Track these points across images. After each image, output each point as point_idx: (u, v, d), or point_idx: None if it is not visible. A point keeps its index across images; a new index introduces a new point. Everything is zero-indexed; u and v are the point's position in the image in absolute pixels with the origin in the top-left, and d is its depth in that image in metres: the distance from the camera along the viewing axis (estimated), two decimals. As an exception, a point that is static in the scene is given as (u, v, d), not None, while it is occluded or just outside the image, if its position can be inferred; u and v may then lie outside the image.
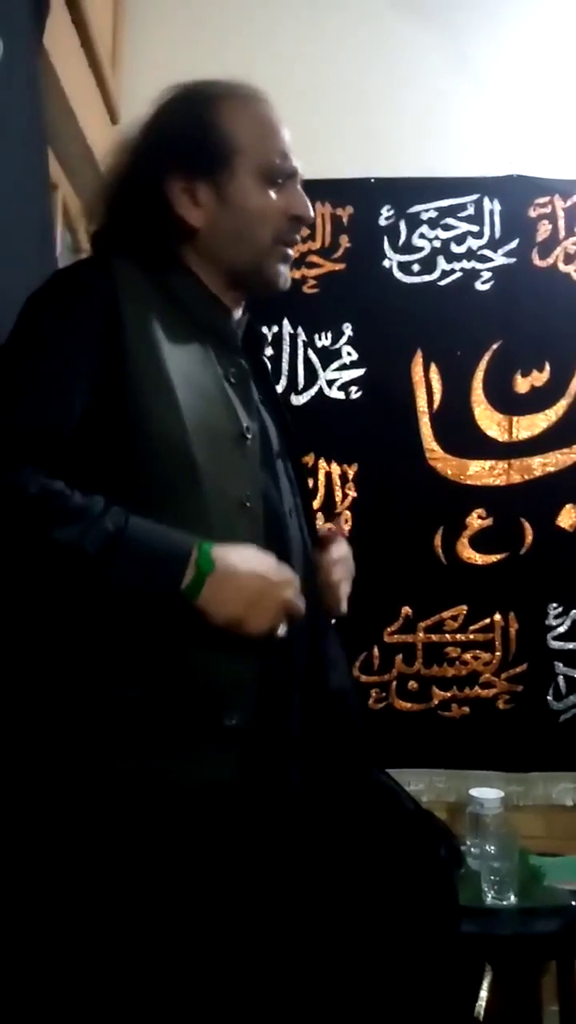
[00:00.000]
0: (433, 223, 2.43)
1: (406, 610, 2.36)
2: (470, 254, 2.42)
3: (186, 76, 2.63)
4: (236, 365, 1.09)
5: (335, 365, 2.41)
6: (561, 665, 2.33)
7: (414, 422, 2.39)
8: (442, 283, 2.42)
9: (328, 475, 2.39)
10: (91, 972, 0.95)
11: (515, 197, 2.43)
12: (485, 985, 1.62)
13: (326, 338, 2.41)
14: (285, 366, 2.40)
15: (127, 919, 0.95)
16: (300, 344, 2.41)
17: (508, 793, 2.25)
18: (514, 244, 2.42)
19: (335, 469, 2.39)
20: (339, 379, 2.41)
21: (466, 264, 2.42)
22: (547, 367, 2.38)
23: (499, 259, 2.42)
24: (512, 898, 1.94)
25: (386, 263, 2.42)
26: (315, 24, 2.51)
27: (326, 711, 1.13)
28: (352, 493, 2.39)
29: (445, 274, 2.42)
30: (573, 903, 1.94)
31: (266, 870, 1.02)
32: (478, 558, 2.36)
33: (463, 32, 2.50)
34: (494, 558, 2.36)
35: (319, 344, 2.41)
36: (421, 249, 2.42)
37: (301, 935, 1.05)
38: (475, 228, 2.43)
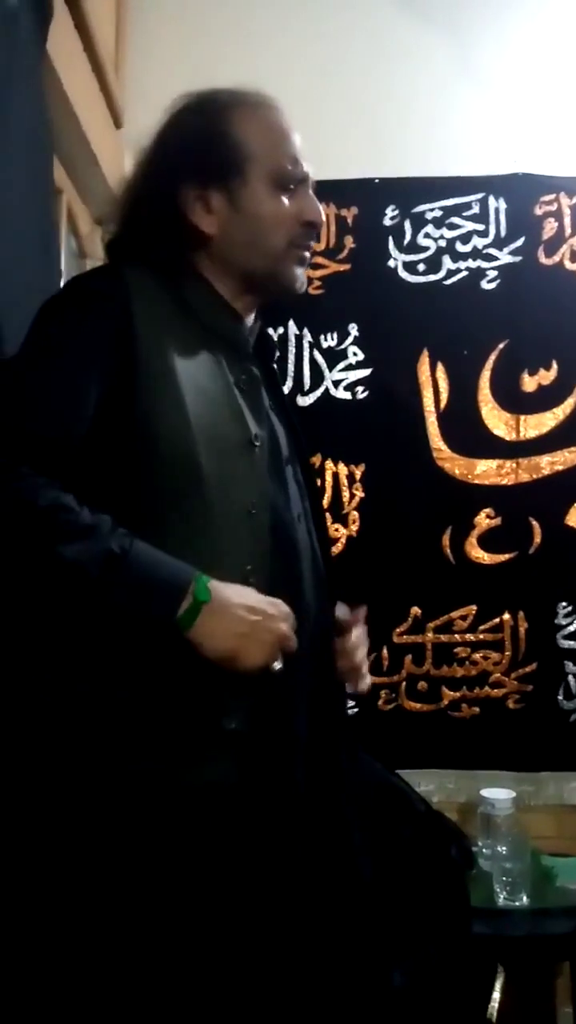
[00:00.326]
0: (438, 222, 2.43)
1: (415, 610, 2.36)
2: (476, 253, 2.41)
3: (189, 79, 2.63)
4: (247, 372, 1.10)
5: (341, 366, 2.41)
6: (571, 664, 2.32)
7: (421, 422, 2.38)
8: (448, 282, 2.41)
9: (335, 476, 2.39)
10: (92, 972, 0.95)
11: (520, 195, 2.42)
12: (497, 986, 1.62)
13: (332, 339, 2.41)
14: (291, 367, 2.40)
15: (128, 920, 0.96)
16: (306, 345, 2.41)
17: (519, 793, 2.24)
18: (520, 242, 2.41)
19: (342, 470, 2.39)
20: (345, 379, 2.40)
21: (472, 263, 2.41)
22: (554, 365, 2.37)
23: (505, 258, 2.41)
24: (524, 899, 1.93)
25: (391, 263, 2.42)
26: (318, 26, 2.50)
27: (333, 714, 1.13)
28: (359, 493, 2.39)
29: (451, 273, 2.41)
30: (585, 903, 1.94)
31: (270, 872, 1.02)
32: (487, 558, 2.35)
33: (467, 31, 2.50)
34: (503, 557, 2.35)
35: (325, 345, 2.41)
36: (426, 249, 2.42)
37: (307, 936, 1.05)
38: (480, 227, 2.42)
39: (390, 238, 2.42)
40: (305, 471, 1.20)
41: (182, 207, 1.08)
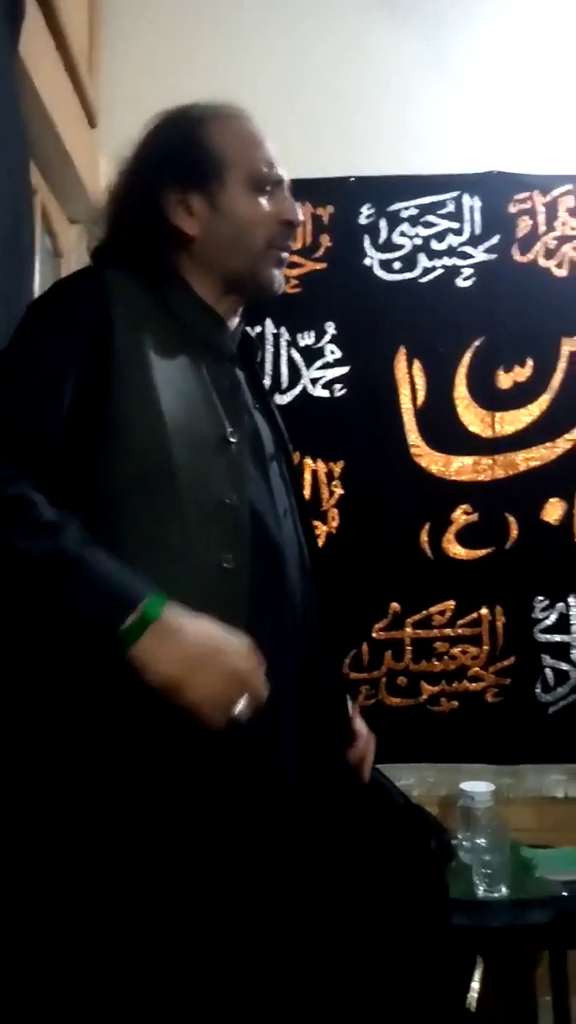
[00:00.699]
0: (413, 221, 2.44)
1: (394, 606, 2.37)
2: (451, 251, 2.43)
3: (164, 78, 2.65)
4: (227, 373, 1.13)
5: (318, 364, 2.42)
6: (548, 657, 2.35)
7: (398, 419, 2.40)
8: (423, 280, 2.43)
9: (314, 473, 2.40)
10: (83, 953, 0.96)
11: (495, 193, 2.45)
12: (477, 976, 1.63)
13: (309, 337, 2.42)
14: (269, 366, 2.41)
15: (115, 897, 0.97)
16: (283, 343, 2.42)
17: (499, 786, 2.26)
18: (494, 240, 2.43)
19: (321, 467, 2.40)
20: (323, 377, 2.42)
21: (447, 261, 2.43)
22: (529, 362, 2.39)
23: (480, 255, 2.43)
24: (503, 890, 1.95)
25: (367, 261, 2.43)
26: (292, 25, 2.52)
27: (318, 713, 1.15)
28: (338, 491, 2.40)
29: (426, 271, 2.43)
30: (564, 894, 1.96)
31: (260, 864, 1.03)
32: (464, 553, 2.37)
33: (440, 30, 2.51)
34: (480, 553, 2.37)
35: (302, 343, 2.42)
36: (402, 247, 2.43)
37: (294, 927, 1.06)
38: (455, 225, 2.44)
39: (366, 236, 2.44)
40: (290, 469, 1.23)
41: (165, 211, 1.12)
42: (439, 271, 2.43)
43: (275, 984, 1.03)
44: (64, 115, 2.03)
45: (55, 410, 1.00)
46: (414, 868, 1.28)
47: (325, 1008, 1.09)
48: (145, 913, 0.97)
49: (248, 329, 1.28)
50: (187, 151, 1.12)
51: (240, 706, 0.94)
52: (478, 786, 2.15)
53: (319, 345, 2.42)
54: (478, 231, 2.43)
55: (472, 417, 2.40)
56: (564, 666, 2.35)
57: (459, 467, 2.39)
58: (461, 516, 2.38)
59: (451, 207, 2.44)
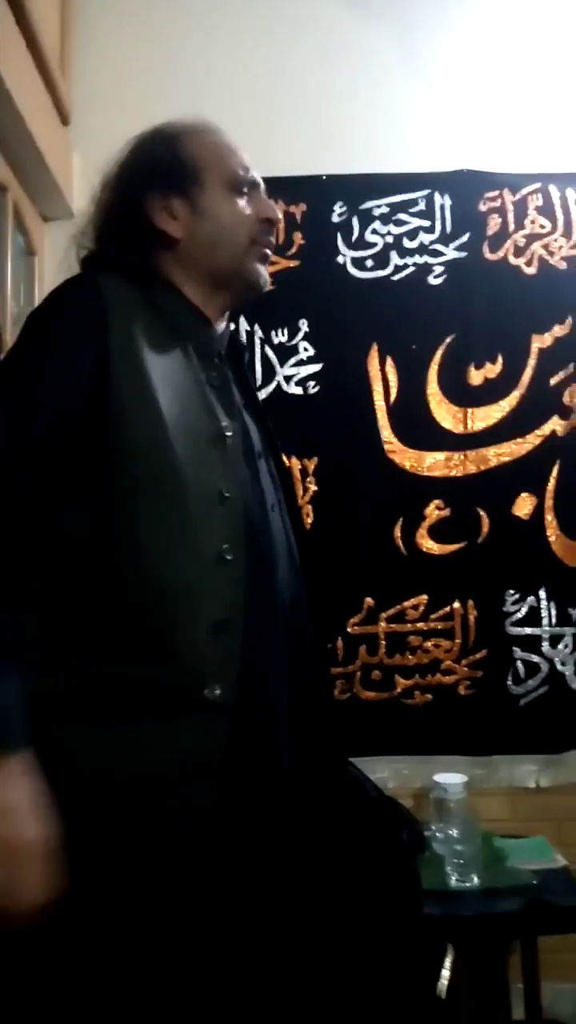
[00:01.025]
0: (385, 219, 2.46)
1: (368, 601, 2.39)
2: (422, 249, 2.45)
3: (137, 76, 2.65)
4: (217, 371, 1.17)
5: (292, 361, 2.43)
6: (519, 650, 2.38)
7: (371, 416, 2.42)
8: (395, 278, 2.45)
9: (288, 470, 2.41)
10: (86, 958, 0.99)
11: (465, 192, 2.47)
12: (447, 964, 1.65)
13: (283, 334, 2.44)
14: (243, 363, 2.42)
15: (108, 894, 0.99)
16: (257, 341, 2.43)
17: (472, 777, 2.29)
18: (465, 238, 2.45)
19: (295, 463, 2.42)
20: (296, 375, 2.43)
21: (419, 259, 2.45)
22: (500, 359, 2.42)
23: (451, 253, 2.45)
24: (475, 880, 1.98)
25: (340, 259, 2.45)
26: (264, 24, 2.52)
27: (309, 702, 1.18)
28: (312, 487, 2.42)
29: (398, 269, 2.45)
30: (534, 882, 1.99)
31: (251, 847, 1.05)
32: (437, 548, 2.40)
33: (410, 30, 2.53)
34: (453, 548, 2.40)
35: (276, 340, 2.43)
36: (374, 245, 2.45)
37: (274, 913, 1.08)
38: (427, 223, 2.46)
39: (338, 234, 2.45)
40: (278, 466, 1.28)
41: (149, 216, 1.18)
42: (411, 269, 2.45)
43: (268, 976, 1.06)
44: (36, 113, 2.03)
45: (60, 427, 1.05)
46: (386, 859, 1.30)
47: (297, 997, 1.11)
48: (134, 881, 1.00)
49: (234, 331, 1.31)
50: (166, 159, 1.19)
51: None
52: (451, 778, 2.18)
53: (293, 343, 2.43)
54: (449, 229, 2.45)
55: (444, 413, 2.42)
56: (535, 658, 2.38)
57: (431, 463, 2.41)
58: (434, 511, 2.40)
59: (422, 205, 2.46)
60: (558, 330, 2.43)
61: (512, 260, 2.45)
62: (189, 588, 1.03)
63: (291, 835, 1.10)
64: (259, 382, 2.43)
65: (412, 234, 2.46)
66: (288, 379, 2.43)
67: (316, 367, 2.43)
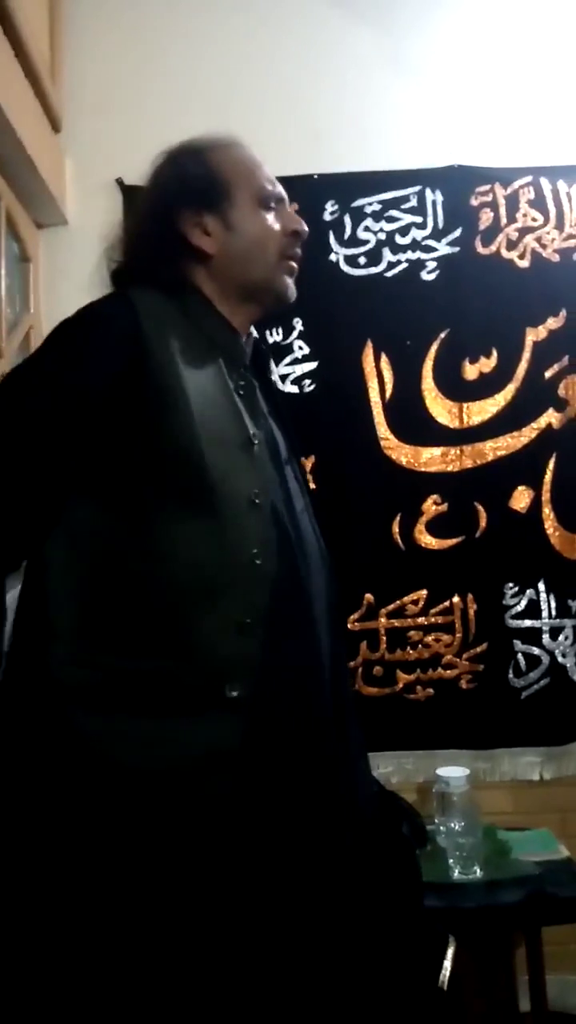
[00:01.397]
0: (377, 216, 2.47)
1: (368, 597, 2.41)
2: (415, 245, 2.46)
3: (127, 82, 2.67)
4: (244, 379, 1.20)
5: (287, 360, 2.44)
6: (520, 643, 2.39)
7: (367, 412, 2.43)
8: (388, 275, 2.46)
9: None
10: (85, 937, 1.02)
11: (456, 187, 2.47)
12: (449, 956, 1.66)
13: (277, 334, 2.45)
14: (238, 363, 2.43)
15: (126, 885, 1.02)
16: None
17: (475, 770, 2.30)
18: (457, 233, 2.46)
19: (293, 462, 2.43)
20: (292, 373, 2.44)
21: (411, 255, 2.46)
22: (494, 353, 2.42)
23: (443, 249, 2.46)
24: (478, 872, 1.99)
25: (333, 257, 2.46)
26: (253, 26, 2.53)
27: (346, 702, 1.23)
28: (311, 485, 2.41)
29: (391, 265, 2.46)
30: (537, 873, 2.00)
31: (266, 843, 1.07)
32: (435, 543, 2.41)
33: (398, 27, 2.54)
34: (451, 542, 2.40)
35: (271, 340, 2.44)
36: (366, 242, 2.46)
37: (288, 906, 1.09)
38: (419, 219, 2.46)
39: (331, 232, 2.46)
40: (302, 471, 1.32)
41: (183, 233, 1.22)
42: (404, 265, 2.46)
43: (280, 966, 1.07)
44: (26, 121, 2.05)
45: (62, 427, 1.08)
46: (387, 853, 1.31)
47: (300, 990, 1.12)
48: (150, 873, 1.02)
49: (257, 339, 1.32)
50: (197, 177, 1.22)
51: None
52: (453, 771, 2.19)
53: (287, 341, 2.45)
54: (441, 224, 2.46)
55: (440, 409, 2.43)
56: (535, 651, 2.39)
57: (428, 458, 2.42)
58: (431, 506, 2.41)
59: (414, 201, 2.46)
60: (552, 323, 2.43)
61: (505, 254, 2.46)
62: (216, 590, 1.07)
63: (312, 828, 1.11)
64: (255, 382, 2.44)
65: (404, 230, 2.47)
66: (284, 378, 2.44)
67: (311, 365, 2.44)
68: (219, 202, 1.21)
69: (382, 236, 2.46)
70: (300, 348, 2.45)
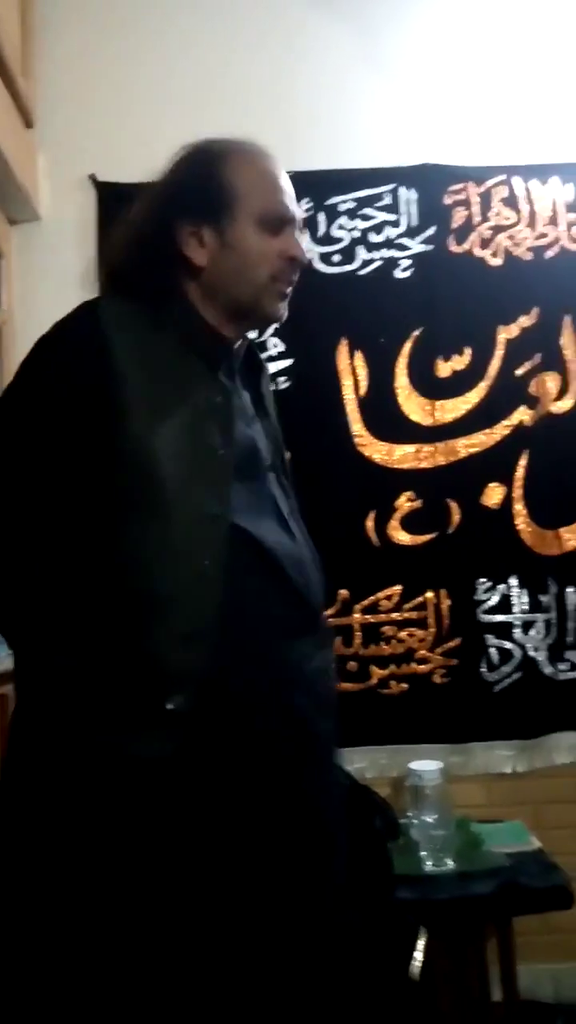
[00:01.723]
0: (351, 214, 2.48)
1: (343, 593, 2.42)
2: (389, 243, 2.47)
3: (101, 78, 2.65)
4: (220, 388, 1.19)
5: (262, 357, 2.44)
6: (492, 637, 2.41)
7: (342, 409, 2.44)
8: (362, 272, 2.47)
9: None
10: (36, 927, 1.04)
11: (430, 185, 2.48)
12: (420, 946, 1.69)
13: (252, 331, 2.45)
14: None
15: (68, 881, 1.04)
16: (227, 338, 2.45)
17: (449, 764, 2.32)
18: (431, 231, 2.47)
19: (268, 459, 2.44)
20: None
21: (385, 253, 2.47)
22: (467, 351, 2.44)
23: (417, 247, 2.47)
24: (450, 864, 2.02)
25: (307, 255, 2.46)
26: (227, 22, 2.53)
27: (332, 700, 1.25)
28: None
29: (365, 263, 2.47)
30: (508, 865, 2.03)
31: (205, 841, 1.08)
32: (409, 539, 2.43)
33: (372, 26, 2.55)
34: (424, 538, 2.42)
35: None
36: (340, 240, 2.47)
37: (236, 900, 1.10)
38: (392, 217, 2.48)
39: (305, 230, 2.46)
40: (288, 477, 1.32)
41: (178, 241, 1.20)
42: (378, 263, 2.47)
43: (212, 951, 1.08)
44: (-3, 116, 2.04)
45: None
46: (359, 846, 1.32)
47: (267, 980, 1.14)
48: (94, 870, 1.04)
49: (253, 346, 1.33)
50: (203, 185, 1.20)
51: None
52: (426, 765, 2.21)
53: (262, 339, 2.45)
54: (415, 223, 2.47)
55: (413, 406, 2.45)
56: (507, 645, 2.41)
57: (402, 455, 2.44)
58: (405, 503, 2.43)
59: (388, 200, 2.48)
60: (524, 321, 2.46)
61: (478, 252, 2.48)
62: (165, 602, 1.08)
63: (271, 830, 1.12)
64: (230, 379, 2.44)
65: (378, 228, 2.48)
66: (259, 376, 2.45)
67: (286, 363, 2.45)
68: (220, 215, 1.19)
69: (356, 234, 2.47)
70: (275, 345, 2.45)
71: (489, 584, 2.42)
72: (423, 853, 2.03)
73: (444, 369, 2.44)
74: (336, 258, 2.47)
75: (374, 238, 2.47)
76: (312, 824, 1.17)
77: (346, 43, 2.55)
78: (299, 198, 2.36)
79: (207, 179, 1.20)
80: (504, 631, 2.42)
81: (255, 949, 1.10)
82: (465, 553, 2.41)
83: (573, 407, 2.46)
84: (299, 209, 1.25)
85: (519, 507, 2.42)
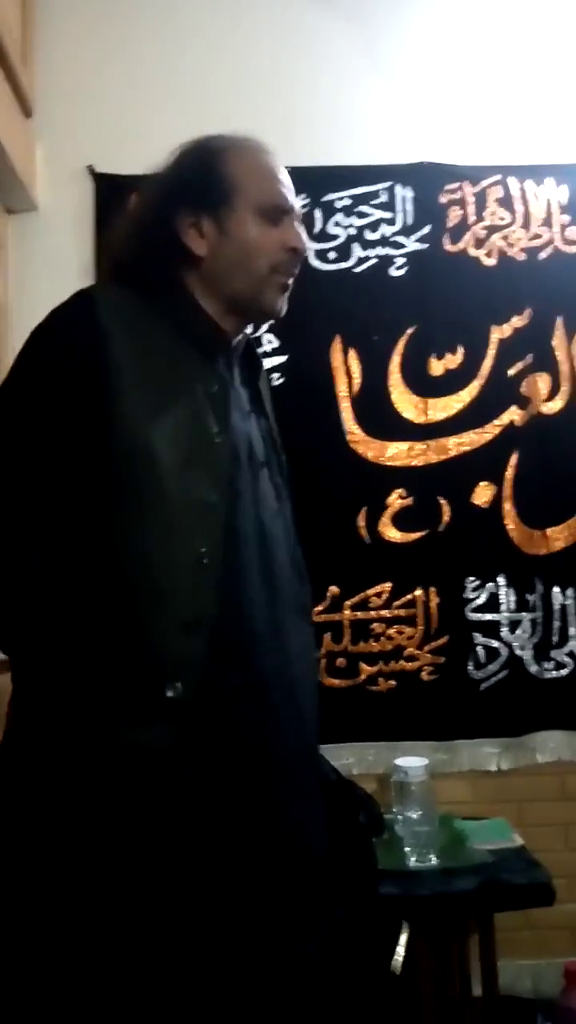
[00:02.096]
0: (347, 211, 2.48)
1: (333, 590, 2.43)
2: (384, 241, 2.48)
3: (101, 69, 2.65)
4: (217, 378, 1.19)
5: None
6: (480, 636, 2.43)
7: (335, 406, 2.45)
8: (357, 270, 2.48)
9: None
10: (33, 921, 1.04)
11: (426, 184, 2.50)
12: (402, 941, 1.70)
13: (250, 326, 2.45)
14: (207, 355, 2.44)
15: (62, 868, 1.04)
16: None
17: (435, 761, 2.33)
18: (426, 230, 2.48)
19: (260, 455, 2.44)
20: (261, 366, 2.45)
21: (380, 251, 2.48)
22: (460, 350, 2.46)
23: (412, 245, 2.48)
24: (433, 860, 2.03)
25: (303, 251, 2.47)
26: (227, 17, 2.53)
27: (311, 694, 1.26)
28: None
29: (360, 261, 2.48)
30: (491, 861, 2.04)
31: (199, 832, 1.08)
32: (399, 536, 2.44)
33: (371, 23, 2.55)
34: (415, 536, 2.43)
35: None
36: (336, 237, 2.48)
37: (227, 894, 1.10)
38: (388, 215, 2.49)
39: (302, 226, 2.46)
40: (282, 476, 1.32)
41: (178, 231, 1.20)
42: (373, 261, 2.48)
43: (210, 961, 1.08)
44: (-5, 106, 2.04)
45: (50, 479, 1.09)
46: (343, 841, 1.33)
47: (251, 977, 1.14)
48: (89, 860, 1.04)
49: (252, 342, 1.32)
50: (203, 176, 1.21)
51: None
52: (411, 761, 2.22)
53: (256, 335, 2.44)
54: (410, 221, 2.48)
55: (406, 404, 2.46)
56: (495, 643, 2.43)
57: (393, 452, 2.45)
58: (396, 500, 2.44)
59: (384, 197, 2.49)
60: (517, 321, 2.47)
61: (472, 252, 2.49)
62: (163, 590, 1.08)
63: (249, 827, 1.12)
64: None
65: (374, 226, 2.48)
66: (253, 371, 2.45)
67: (280, 359, 2.45)
68: (218, 205, 1.20)
69: (352, 231, 2.48)
70: (269, 342, 2.46)
71: (477, 583, 2.43)
72: (407, 849, 2.04)
73: (437, 367, 2.45)
74: (332, 255, 2.48)
75: (370, 236, 2.48)
76: (300, 818, 1.18)
77: (345, 40, 2.55)
78: (296, 194, 2.43)
79: (206, 171, 1.20)
80: (491, 630, 2.43)
81: (247, 943, 1.11)
82: (454, 551, 2.42)
83: (563, 408, 2.47)
84: (298, 202, 1.25)
85: (508, 507, 2.44)
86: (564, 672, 2.44)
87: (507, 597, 2.43)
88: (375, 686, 2.43)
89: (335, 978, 1.28)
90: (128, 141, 2.32)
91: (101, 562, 1.09)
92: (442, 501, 2.44)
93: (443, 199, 2.49)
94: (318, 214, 2.47)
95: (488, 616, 2.43)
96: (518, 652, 2.43)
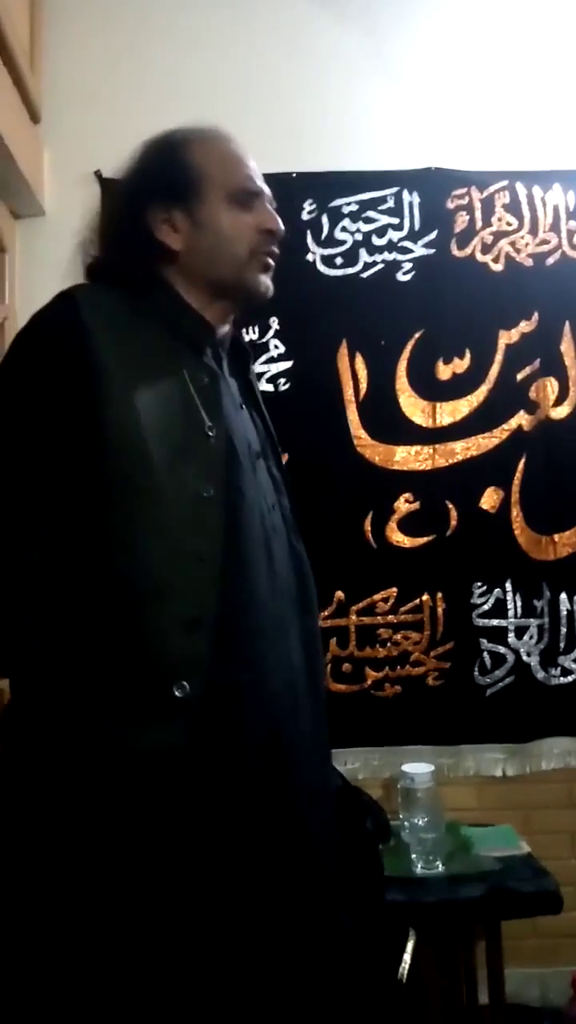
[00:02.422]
0: (355, 216, 2.49)
1: (339, 595, 2.43)
2: (391, 246, 2.48)
3: (108, 75, 2.66)
4: (207, 371, 1.18)
5: (263, 359, 2.45)
6: (486, 641, 2.42)
7: (342, 411, 2.45)
8: (365, 275, 2.48)
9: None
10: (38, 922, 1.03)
11: (433, 189, 2.50)
12: (409, 948, 1.69)
13: (253, 332, 2.45)
14: (214, 360, 2.44)
15: (74, 876, 1.03)
16: (228, 338, 2.45)
17: (440, 767, 2.33)
18: (433, 235, 2.48)
19: (267, 459, 2.44)
20: (268, 372, 2.45)
21: (387, 256, 2.48)
22: (467, 354, 2.45)
23: (419, 250, 2.48)
24: (440, 867, 2.02)
25: (310, 256, 2.47)
26: (235, 22, 2.54)
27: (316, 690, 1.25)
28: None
29: (367, 266, 2.48)
30: (498, 869, 2.03)
31: (216, 835, 1.08)
32: (406, 541, 2.43)
33: (379, 29, 2.56)
34: (421, 541, 2.43)
35: (247, 338, 2.43)
36: (343, 242, 2.48)
37: (236, 898, 1.10)
38: (395, 220, 2.49)
39: (308, 232, 2.47)
40: (279, 469, 1.31)
41: (151, 228, 1.20)
42: (380, 266, 2.48)
43: (214, 949, 1.08)
44: (5, 111, 2.05)
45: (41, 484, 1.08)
46: (350, 847, 1.33)
47: (255, 982, 1.14)
48: (100, 864, 1.03)
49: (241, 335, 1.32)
50: (169, 171, 1.20)
51: None
52: (418, 767, 2.22)
53: (263, 340, 2.46)
54: (417, 226, 2.48)
55: (413, 408, 2.46)
56: (501, 649, 2.42)
57: (401, 457, 2.45)
58: (403, 505, 2.44)
59: (391, 203, 2.49)
60: (524, 326, 2.46)
61: (479, 257, 2.49)
62: (164, 586, 1.07)
63: (272, 822, 1.12)
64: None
65: (381, 231, 2.49)
66: (259, 376, 2.45)
67: (287, 364, 2.46)
68: (188, 197, 1.19)
69: (359, 237, 2.48)
70: (276, 347, 2.46)
71: (484, 588, 2.43)
72: (413, 855, 2.04)
73: (444, 372, 2.45)
74: (339, 260, 2.48)
75: (377, 241, 2.48)
76: (309, 820, 1.17)
77: (352, 45, 2.55)
78: (302, 199, 2.47)
79: (172, 165, 1.20)
80: (498, 635, 2.42)
81: (254, 949, 1.10)
82: (462, 556, 2.42)
83: (571, 413, 2.47)
84: (267, 186, 1.24)
85: (516, 512, 2.43)
86: (571, 678, 2.43)
87: (514, 603, 2.43)
88: (381, 691, 2.42)
89: (343, 984, 1.27)
90: (134, 145, 2.32)
91: (99, 562, 1.08)
92: (449, 506, 2.43)
93: (450, 204, 2.49)
94: (325, 219, 2.48)
95: (495, 622, 2.43)
96: (525, 658, 2.42)
